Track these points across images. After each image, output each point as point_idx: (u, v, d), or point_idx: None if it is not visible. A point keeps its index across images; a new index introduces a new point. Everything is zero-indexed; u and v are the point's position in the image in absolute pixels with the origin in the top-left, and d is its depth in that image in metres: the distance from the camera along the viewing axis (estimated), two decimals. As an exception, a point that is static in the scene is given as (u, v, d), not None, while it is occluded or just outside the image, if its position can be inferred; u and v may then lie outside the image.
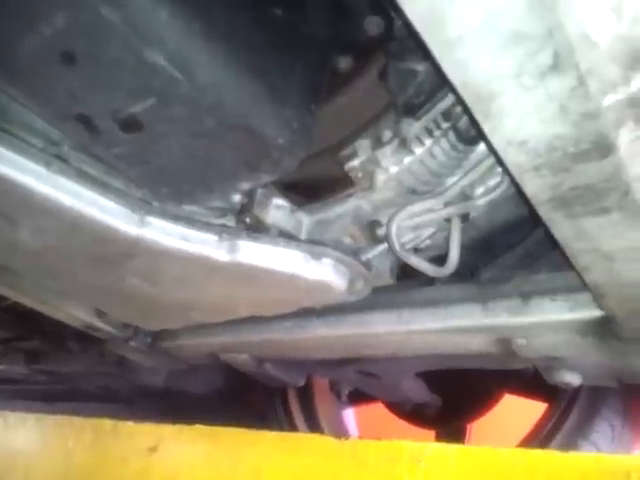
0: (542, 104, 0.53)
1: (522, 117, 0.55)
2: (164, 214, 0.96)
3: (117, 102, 0.74)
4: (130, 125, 0.76)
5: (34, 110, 0.83)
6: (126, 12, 0.63)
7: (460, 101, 0.57)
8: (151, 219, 0.95)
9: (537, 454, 1.00)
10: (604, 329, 0.96)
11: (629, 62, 0.50)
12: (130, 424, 1.48)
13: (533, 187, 0.64)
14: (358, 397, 2.19)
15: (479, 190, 0.97)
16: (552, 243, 0.78)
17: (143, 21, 0.65)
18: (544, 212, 0.69)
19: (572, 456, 0.97)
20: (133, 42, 0.66)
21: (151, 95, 0.72)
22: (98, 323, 1.47)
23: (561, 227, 0.71)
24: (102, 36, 0.66)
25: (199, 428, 1.37)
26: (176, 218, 0.96)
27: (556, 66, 0.49)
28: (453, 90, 0.56)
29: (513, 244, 1.11)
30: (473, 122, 0.60)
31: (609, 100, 0.53)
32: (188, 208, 0.98)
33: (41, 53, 0.69)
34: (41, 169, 0.87)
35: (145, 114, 0.74)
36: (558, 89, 0.51)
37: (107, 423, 1.51)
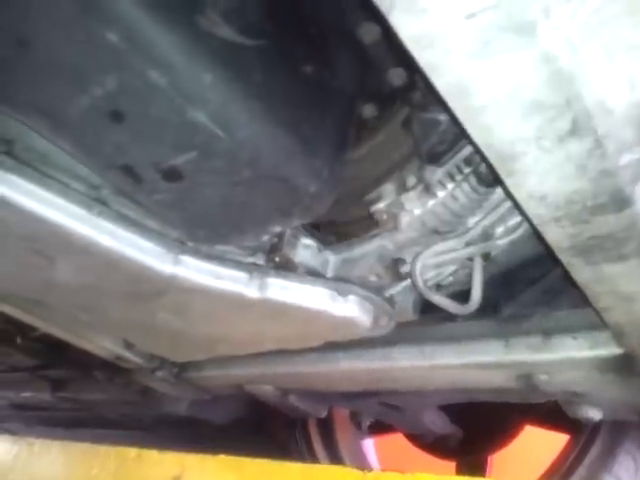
0: (561, 164, 0.57)
1: (542, 175, 0.58)
2: (197, 253, 1.00)
3: (160, 155, 0.79)
4: (171, 175, 0.81)
5: (80, 159, 0.88)
6: (173, 76, 0.69)
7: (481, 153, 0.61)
8: (185, 258, 0.99)
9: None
10: (624, 366, 0.97)
11: (643, 125, 0.54)
12: (154, 452, 1.49)
13: (553, 236, 0.68)
14: (378, 427, 2.19)
15: (500, 230, 1.00)
16: (572, 280, 0.81)
17: (188, 84, 0.70)
18: (564, 258, 0.72)
19: (595, 490, 0.98)
20: (178, 103, 0.71)
21: (193, 149, 0.76)
22: (126, 354, 1.50)
23: (581, 272, 0.74)
24: (149, 97, 0.71)
25: (223, 458, 1.38)
26: (209, 257, 1.00)
27: (574, 131, 0.53)
28: (477, 149, 0.60)
29: (534, 280, 1.13)
30: (493, 171, 0.64)
31: (625, 159, 0.56)
32: (220, 248, 1.02)
33: (91, 111, 0.74)
34: (83, 212, 0.92)
35: (186, 165, 0.79)
36: (576, 151, 0.55)
37: (131, 451, 1.52)
